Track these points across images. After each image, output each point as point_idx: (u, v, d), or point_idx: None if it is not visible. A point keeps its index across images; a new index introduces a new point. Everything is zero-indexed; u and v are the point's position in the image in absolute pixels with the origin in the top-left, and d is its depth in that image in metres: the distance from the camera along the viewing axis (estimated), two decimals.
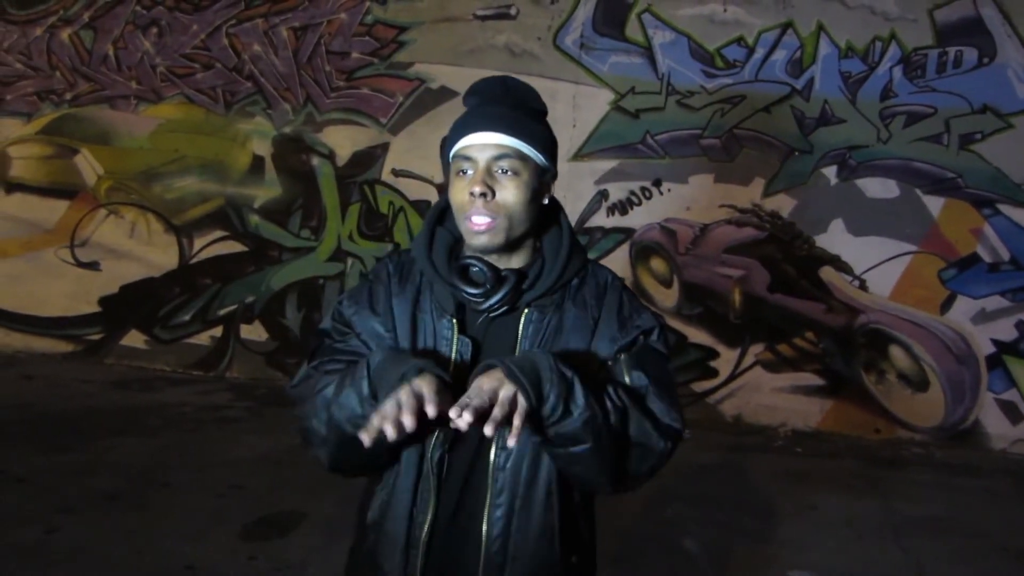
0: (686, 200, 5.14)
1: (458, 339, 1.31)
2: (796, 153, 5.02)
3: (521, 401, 1.13)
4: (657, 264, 5.22)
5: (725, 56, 5.03)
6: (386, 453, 1.29)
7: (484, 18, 5.24)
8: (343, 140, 5.52)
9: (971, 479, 4.48)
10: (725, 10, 4.99)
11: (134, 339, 5.83)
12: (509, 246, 1.33)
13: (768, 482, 4.26)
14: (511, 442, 1.12)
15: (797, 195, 5.05)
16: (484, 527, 1.30)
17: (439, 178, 5.14)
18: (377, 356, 1.24)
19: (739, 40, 5.00)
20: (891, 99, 4.89)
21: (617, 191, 5.20)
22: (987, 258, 4.91)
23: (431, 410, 1.10)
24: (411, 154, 5.38)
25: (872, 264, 5.00)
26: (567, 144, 5.16)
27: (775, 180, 5.05)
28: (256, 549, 3.20)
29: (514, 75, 1.41)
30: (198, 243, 5.75)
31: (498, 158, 1.29)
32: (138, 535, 3.22)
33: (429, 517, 1.30)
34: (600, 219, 5.23)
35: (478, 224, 1.28)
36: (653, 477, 1.34)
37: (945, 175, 4.89)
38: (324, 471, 1.35)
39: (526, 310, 1.33)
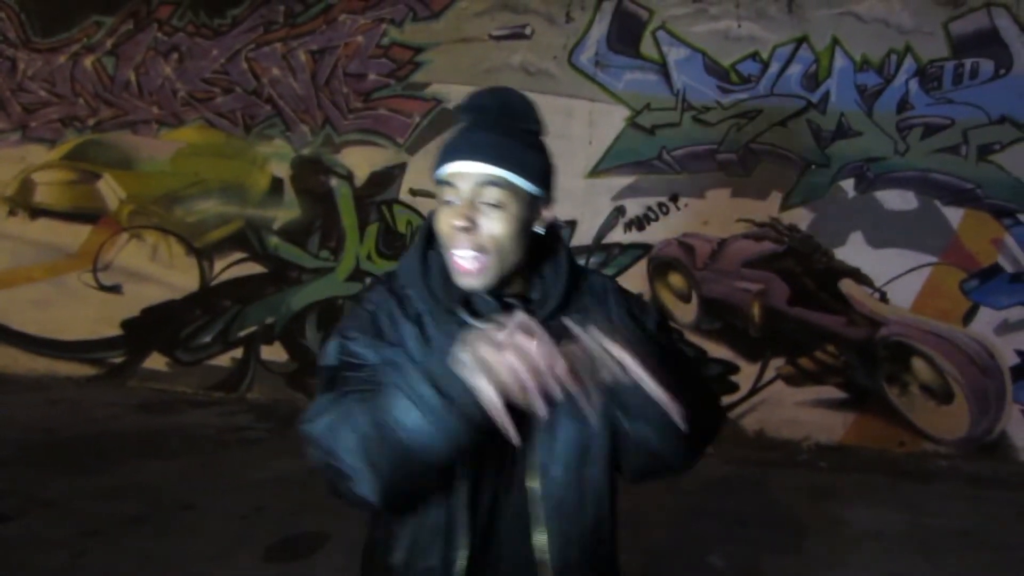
0: (703, 215, 5.14)
1: None
2: (813, 166, 5.01)
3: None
4: (675, 279, 5.21)
5: (740, 71, 5.04)
6: (443, 470, 1.19)
7: (499, 38, 5.29)
8: (361, 161, 5.57)
9: (999, 491, 4.42)
10: (739, 26, 5.01)
11: (156, 361, 5.89)
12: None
13: (793, 497, 4.23)
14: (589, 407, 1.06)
15: (815, 208, 5.03)
16: (536, 554, 1.26)
17: None
18: (407, 368, 1.13)
19: (754, 55, 5.01)
20: (908, 111, 4.87)
21: (634, 207, 5.21)
22: (1009, 268, 4.86)
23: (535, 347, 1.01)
24: (428, 174, 5.33)
25: (892, 276, 4.96)
26: (583, 161, 5.19)
27: (792, 194, 5.04)
28: (280, 571, 3.21)
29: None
30: (219, 265, 5.80)
31: (483, 186, 1.23)
32: (163, 558, 3.24)
33: (467, 553, 1.26)
34: (617, 235, 5.23)
35: (465, 266, 1.24)
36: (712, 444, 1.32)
37: (964, 186, 4.86)
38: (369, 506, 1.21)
39: None
